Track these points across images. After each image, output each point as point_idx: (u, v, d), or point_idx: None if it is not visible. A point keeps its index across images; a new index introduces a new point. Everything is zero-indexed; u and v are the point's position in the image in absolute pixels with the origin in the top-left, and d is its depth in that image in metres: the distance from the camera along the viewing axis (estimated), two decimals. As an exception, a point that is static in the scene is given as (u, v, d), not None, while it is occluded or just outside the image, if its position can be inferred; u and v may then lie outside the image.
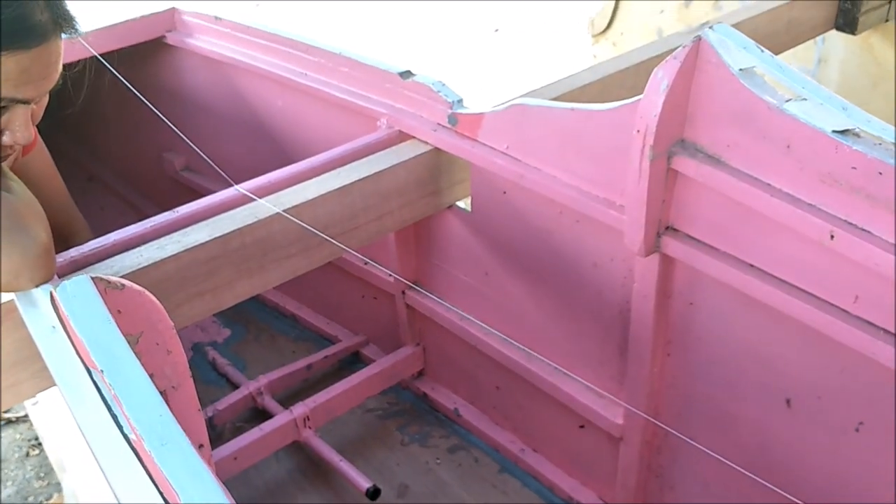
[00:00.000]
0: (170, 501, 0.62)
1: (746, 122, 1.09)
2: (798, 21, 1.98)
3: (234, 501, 0.63)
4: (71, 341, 0.75)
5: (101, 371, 0.68)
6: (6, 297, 1.16)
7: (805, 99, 1.05)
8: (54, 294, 0.75)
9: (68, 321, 0.73)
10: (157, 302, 0.79)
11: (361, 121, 1.63)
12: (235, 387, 1.95)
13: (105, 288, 0.75)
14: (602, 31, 2.84)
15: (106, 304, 0.75)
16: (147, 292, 0.79)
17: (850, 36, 2.14)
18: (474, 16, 4.98)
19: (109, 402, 0.69)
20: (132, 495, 0.71)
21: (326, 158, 1.50)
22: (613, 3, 2.77)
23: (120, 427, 0.68)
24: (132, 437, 0.67)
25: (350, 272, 1.92)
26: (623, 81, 1.67)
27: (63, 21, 1.05)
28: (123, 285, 0.77)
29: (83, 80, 1.25)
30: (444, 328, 1.76)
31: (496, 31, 4.82)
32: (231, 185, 1.39)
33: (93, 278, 0.76)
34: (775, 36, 1.93)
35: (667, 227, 1.24)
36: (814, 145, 1.03)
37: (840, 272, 1.07)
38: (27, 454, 2.33)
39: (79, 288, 0.74)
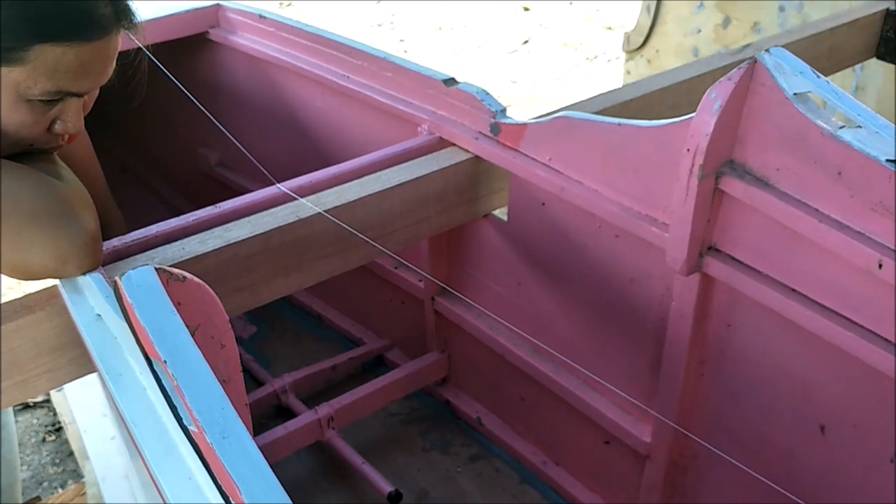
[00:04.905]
0: (228, 494, 0.63)
1: (798, 147, 1.09)
2: (839, 48, 1.97)
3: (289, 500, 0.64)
4: (133, 331, 0.76)
5: (165, 362, 0.69)
6: (49, 281, 1.17)
7: (860, 126, 1.04)
8: (119, 283, 0.76)
9: (132, 311, 0.74)
10: (215, 296, 0.80)
11: (402, 126, 1.64)
12: (259, 383, 1.96)
13: (167, 279, 0.76)
14: (637, 47, 2.84)
15: (168, 295, 0.75)
16: (206, 285, 0.79)
17: (888, 64, 2.14)
18: (504, 26, 5.00)
19: (171, 392, 0.70)
20: (183, 486, 0.72)
21: (367, 161, 1.50)
22: (650, 20, 2.77)
23: (179, 418, 0.69)
24: (193, 428, 0.67)
25: (379, 275, 1.93)
26: (664, 99, 1.67)
27: (123, 16, 1.06)
28: (185, 277, 0.78)
29: (136, 76, 1.25)
30: (471, 336, 1.76)
31: (525, 42, 4.85)
32: (271, 184, 1.40)
33: (156, 269, 0.76)
34: (816, 61, 1.91)
35: (709, 247, 1.23)
36: (866, 173, 1.03)
37: (885, 302, 1.06)
38: (43, 439, 2.34)
39: (143, 278, 0.75)
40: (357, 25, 4.95)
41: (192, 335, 0.75)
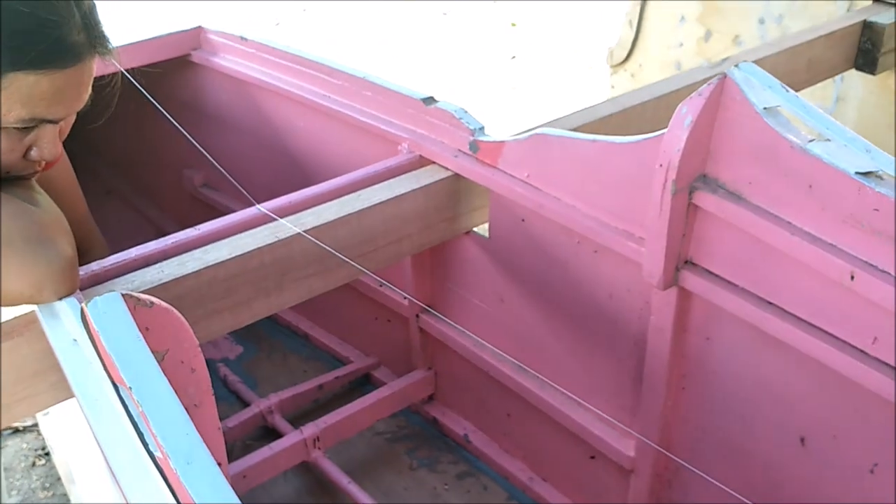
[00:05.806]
0: (193, 520, 0.63)
1: (769, 161, 1.10)
2: (818, 60, 1.99)
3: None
4: (99, 357, 0.76)
5: (130, 388, 0.69)
6: (27, 307, 1.17)
7: (829, 140, 1.05)
8: (85, 309, 0.76)
9: (98, 337, 0.74)
10: (184, 320, 0.80)
11: (383, 144, 1.64)
12: (246, 404, 1.95)
13: (135, 305, 0.76)
14: (621, 62, 2.86)
15: (135, 320, 0.75)
16: (175, 311, 0.79)
17: (868, 76, 2.15)
18: (492, 42, 5.04)
19: (136, 419, 0.70)
20: (152, 512, 0.72)
21: (347, 181, 1.51)
22: (633, 34, 2.79)
23: (146, 444, 0.69)
24: (158, 454, 0.67)
25: (364, 294, 1.93)
26: (643, 114, 1.68)
27: (97, 42, 1.06)
28: (153, 303, 0.78)
29: (109, 95, 1.26)
30: (456, 353, 1.76)
31: (513, 57, 4.87)
32: (252, 205, 1.40)
33: (123, 295, 0.77)
34: (795, 74, 1.94)
35: (686, 261, 1.24)
36: (836, 186, 1.04)
37: (859, 313, 1.07)
38: (33, 464, 2.33)
39: (109, 304, 0.75)
40: (348, 45, 4.98)
41: (161, 360, 0.75)
